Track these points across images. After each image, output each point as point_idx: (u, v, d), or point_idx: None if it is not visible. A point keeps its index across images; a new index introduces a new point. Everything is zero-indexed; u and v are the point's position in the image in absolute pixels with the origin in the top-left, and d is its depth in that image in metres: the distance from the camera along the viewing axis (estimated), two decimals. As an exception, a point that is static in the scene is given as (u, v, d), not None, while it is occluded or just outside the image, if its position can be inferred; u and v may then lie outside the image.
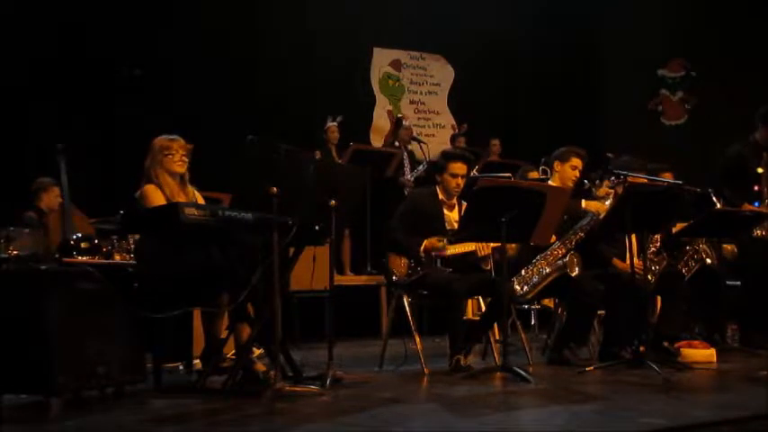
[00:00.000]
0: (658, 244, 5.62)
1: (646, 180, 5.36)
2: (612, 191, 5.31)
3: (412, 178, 8.45)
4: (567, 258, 5.10)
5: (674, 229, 5.69)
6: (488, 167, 7.87)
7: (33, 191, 6.34)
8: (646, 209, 4.84)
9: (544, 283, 5.15)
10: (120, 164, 6.38)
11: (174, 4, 8.33)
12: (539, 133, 9.48)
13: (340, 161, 7.91)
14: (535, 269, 5.18)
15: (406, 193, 8.04)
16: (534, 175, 5.78)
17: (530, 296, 5.25)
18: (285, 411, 3.64)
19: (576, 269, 5.09)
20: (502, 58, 10.18)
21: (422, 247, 4.96)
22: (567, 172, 5.38)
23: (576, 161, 5.39)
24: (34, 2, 7.51)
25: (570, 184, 5.35)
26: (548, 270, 5.15)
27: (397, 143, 8.81)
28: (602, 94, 10.93)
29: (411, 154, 8.83)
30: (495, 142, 9.34)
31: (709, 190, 5.96)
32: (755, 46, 9.80)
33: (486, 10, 10.12)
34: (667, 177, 5.77)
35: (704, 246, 5.92)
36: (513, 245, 5.02)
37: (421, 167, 8.47)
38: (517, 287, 5.13)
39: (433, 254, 4.98)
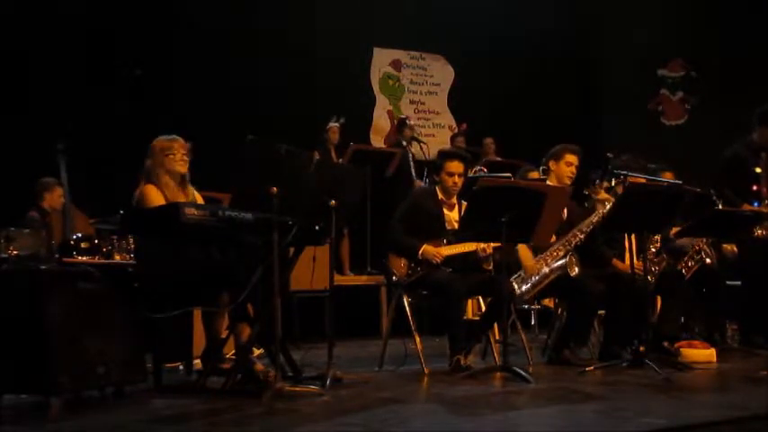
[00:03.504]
0: (658, 245, 5.62)
1: (644, 180, 5.36)
2: (609, 196, 5.31)
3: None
4: (567, 259, 5.10)
5: (673, 230, 5.69)
6: (489, 167, 7.86)
7: (37, 190, 6.35)
8: (646, 209, 4.83)
9: (543, 284, 5.15)
10: (120, 164, 6.37)
11: (174, 3, 8.33)
12: (539, 133, 9.47)
13: (339, 161, 7.92)
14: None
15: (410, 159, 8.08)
16: (534, 175, 5.77)
17: (528, 296, 5.25)
18: (285, 411, 3.64)
19: (576, 269, 5.09)
20: (502, 58, 10.17)
21: (420, 252, 4.96)
22: (563, 169, 5.37)
23: (571, 158, 5.38)
24: (34, 2, 7.51)
25: (567, 182, 5.34)
26: (547, 270, 5.15)
27: (404, 143, 8.77)
28: (602, 94, 10.93)
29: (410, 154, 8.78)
30: (489, 141, 9.32)
31: (711, 191, 5.96)
32: (755, 46, 9.80)
33: (487, 10, 10.12)
34: (668, 177, 5.77)
35: (704, 246, 5.92)
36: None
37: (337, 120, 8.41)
38: (516, 287, 5.12)
39: (431, 261, 4.97)
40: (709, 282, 5.90)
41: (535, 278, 5.13)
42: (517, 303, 5.40)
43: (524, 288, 5.15)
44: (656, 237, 5.58)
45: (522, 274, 5.14)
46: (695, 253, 5.87)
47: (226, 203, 5.28)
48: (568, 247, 5.18)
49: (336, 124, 8.31)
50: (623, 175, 5.25)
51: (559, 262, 5.12)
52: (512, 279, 5.12)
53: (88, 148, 7.04)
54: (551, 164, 5.43)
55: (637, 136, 10.11)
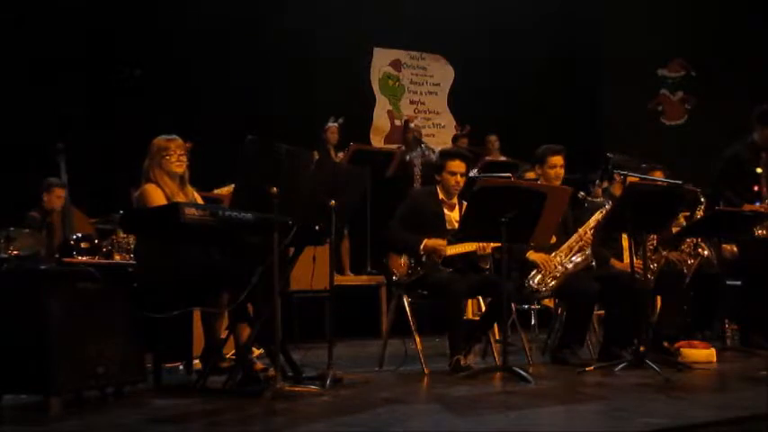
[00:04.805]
0: (655, 242, 5.62)
1: (637, 179, 5.36)
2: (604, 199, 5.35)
3: (418, 160, 8.37)
4: (590, 251, 5.12)
5: (674, 230, 5.70)
6: (488, 168, 7.86)
7: (39, 191, 6.35)
8: (645, 209, 4.83)
9: (564, 278, 5.14)
10: (120, 164, 6.38)
11: (174, 4, 8.33)
12: (539, 133, 9.48)
13: (339, 156, 7.95)
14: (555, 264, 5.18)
15: (416, 173, 8.04)
16: (532, 175, 5.77)
17: (548, 291, 5.22)
18: (285, 411, 3.64)
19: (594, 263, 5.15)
20: (502, 58, 10.17)
21: (422, 245, 4.96)
22: (548, 173, 5.34)
23: (553, 159, 5.34)
24: (34, 2, 7.51)
25: (556, 183, 5.30)
26: (570, 265, 5.14)
27: (404, 147, 8.76)
28: (602, 94, 10.93)
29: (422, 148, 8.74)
30: (493, 138, 9.31)
31: (698, 190, 5.97)
32: (755, 46, 9.80)
33: (487, 10, 10.12)
34: (657, 176, 5.78)
35: (700, 241, 5.93)
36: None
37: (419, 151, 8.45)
38: (534, 283, 5.10)
39: (433, 255, 4.96)
40: (709, 282, 5.90)
41: (557, 272, 5.12)
42: (534, 299, 5.45)
43: (546, 285, 5.12)
44: (651, 235, 5.57)
45: (542, 270, 5.13)
46: (692, 248, 5.87)
47: (225, 201, 5.29)
48: (581, 243, 5.18)
49: (335, 124, 8.31)
50: (623, 174, 5.25)
51: (583, 255, 5.13)
52: (528, 277, 5.12)
53: (88, 148, 7.07)
54: (537, 168, 5.43)
55: (637, 136, 10.11)
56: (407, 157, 8.51)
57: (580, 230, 5.22)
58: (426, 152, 8.51)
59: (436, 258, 4.97)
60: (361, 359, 5.73)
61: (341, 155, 8.06)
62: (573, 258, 5.17)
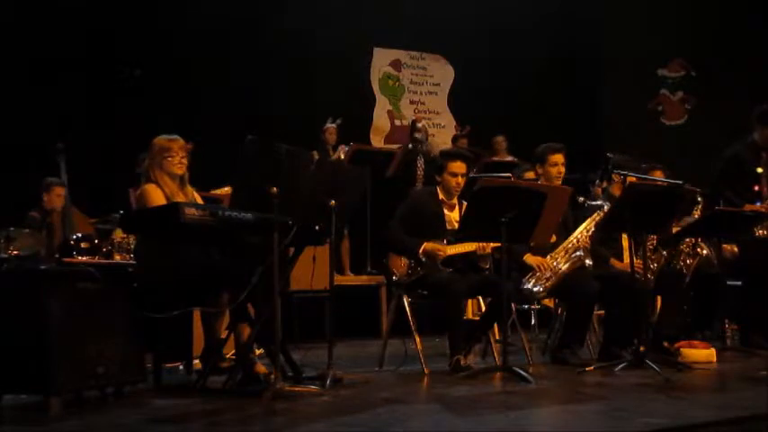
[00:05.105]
0: (654, 242, 5.62)
1: (635, 179, 5.36)
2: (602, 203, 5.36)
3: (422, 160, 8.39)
4: (582, 251, 5.11)
5: (674, 230, 5.70)
6: (486, 169, 7.85)
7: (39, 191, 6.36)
8: (645, 209, 4.83)
9: (560, 276, 5.12)
10: (120, 164, 6.38)
11: (174, 4, 8.33)
12: (539, 133, 9.46)
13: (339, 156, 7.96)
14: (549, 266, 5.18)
15: (419, 173, 8.05)
16: (530, 175, 5.76)
17: (544, 294, 5.22)
18: (285, 411, 3.64)
19: (588, 261, 5.13)
20: (502, 58, 10.17)
21: (421, 249, 4.96)
22: (550, 171, 5.32)
23: (554, 158, 5.32)
24: (34, 2, 7.52)
25: (557, 183, 5.29)
26: (564, 267, 5.13)
27: (410, 146, 8.76)
28: (602, 94, 10.93)
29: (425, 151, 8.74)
30: (501, 139, 9.30)
31: (698, 190, 5.97)
32: (755, 46, 9.81)
33: (487, 10, 10.12)
34: (658, 175, 5.78)
35: (699, 240, 5.93)
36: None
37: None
38: (530, 286, 5.10)
39: (433, 258, 4.97)
40: (709, 282, 5.90)
41: (550, 273, 5.11)
42: (532, 300, 5.43)
43: (542, 286, 5.12)
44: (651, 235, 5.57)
45: (538, 273, 5.13)
46: (690, 248, 5.87)
47: (225, 201, 5.29)
48: (577, 244, 5.18)
49: (333, 125, 8.33)
50: (623, 174, 5.25)
51: (576, 253, 5.13)
52: (525, 279, 5.11)
53: (88, 148, 7.07)
54: (538, 167, 5.41)
55: (637, 136, 10.11)
56: (424, 148, 8.50)
57: (576, 233, 5.23)
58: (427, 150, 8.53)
59: (436, 260, 4.97)
60: (361, 359, 5.73)
61: (341, 146, 8.07)
62: (569, 258, 5.16)
